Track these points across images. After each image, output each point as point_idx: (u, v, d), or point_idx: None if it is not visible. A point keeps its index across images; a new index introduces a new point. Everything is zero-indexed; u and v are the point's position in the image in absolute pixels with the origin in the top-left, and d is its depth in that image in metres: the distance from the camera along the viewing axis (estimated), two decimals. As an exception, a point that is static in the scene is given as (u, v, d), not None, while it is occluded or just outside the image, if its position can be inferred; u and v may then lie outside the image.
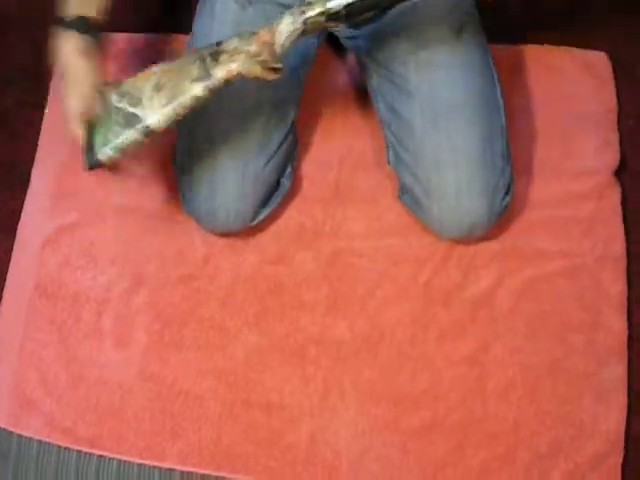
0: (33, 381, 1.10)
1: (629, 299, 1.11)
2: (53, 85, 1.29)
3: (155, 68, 0.90)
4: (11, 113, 1.29)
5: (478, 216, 1.03)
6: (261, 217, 1.11)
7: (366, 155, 1.20)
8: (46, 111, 1.27)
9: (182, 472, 1.05)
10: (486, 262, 1.13)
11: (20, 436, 1.08)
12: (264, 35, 0.86)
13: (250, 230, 1.13)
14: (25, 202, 1.21)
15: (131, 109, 0.88)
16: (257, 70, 0.86)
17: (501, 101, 1.07)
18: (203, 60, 0.87)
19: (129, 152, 0.89)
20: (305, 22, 0.86)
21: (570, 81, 1.23)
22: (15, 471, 1.07)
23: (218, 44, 0.88)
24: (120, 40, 1.28)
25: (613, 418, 1.04)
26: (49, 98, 1.28)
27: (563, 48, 1.26)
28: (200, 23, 1.08)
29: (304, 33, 0.87)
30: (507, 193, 1.06)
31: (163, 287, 1.14)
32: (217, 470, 1.05)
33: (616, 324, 1.09)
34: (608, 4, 1.29)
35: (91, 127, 0.90)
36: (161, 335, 1.11)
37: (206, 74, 0.86)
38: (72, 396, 1.09)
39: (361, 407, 1.07)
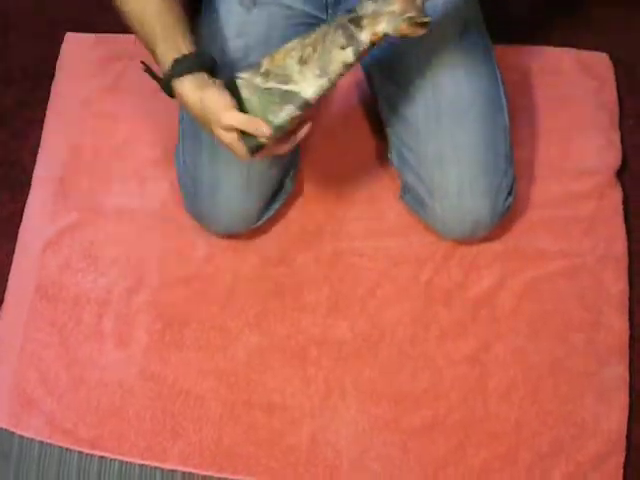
0: (33, 381, 1.10)
1: (630, 299, 1.11)
2: (54, 85, 1.29)
3: (290, 44, 0.90)
4: (11, 113, 1.28)
5: (481, 216, 1.04)
6: (264, 218, 1.11)
7: (367, 156, 1.20)
8: (47, 112, 1.26)
9: (184, 473, 1.05)
10: (488, 262, 1.13)
11: (22, 437, 1.07)
12: None
13: (251, 231, 1.13)
14: (26, 205, 1.20)
15: (284, 87, 0.88)
16: (404, 28, 0.86)
17: (505, 102, 1.07)
18: (345, 27, 0.87)
19: (287, 129, 0.90)
20: None
21: (571, 82, 1.24)
22: (16, 472, 1.06)
23: (350, 11, 0.88)
24: (123, 42, 1.28)
25: (615, 418, 1.04)
26: (50, 99, 1.27)
27: (564, 49, 1.26)
28: (205, 25, 1.08)
29: None
30: (510, 194, 1.06)
31: (164, 287, 1.14)
32: (219, 471, 1.04)
33: (617, 323, 1.09)
34: (609, 5, 1.30)
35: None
36: (162, 335, 1.11)
37: (353, 40, 0.87)
38: (73, 397, 1.09)
39: (362, 407, 1.07)
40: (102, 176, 1.21)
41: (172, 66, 0.89)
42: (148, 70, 0.92)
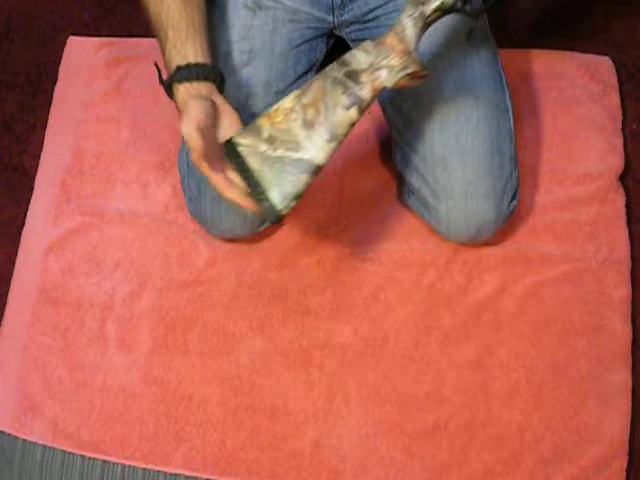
0: (37, 385, 1.10)
1: (633, 303, 1.11)
2: (56, 89, 1.29)
3: (286, 103, 0.86)
4: (14, 118, 1.28)
5: (486, 218, 1.04)
6: (267, 223, 1.11)
7: (370, 158, 1.20)
8: (50, 116, 1.26)
9: (187, 477, 1.05)
10: (490, 267, 1.13)
11: (24, 441, 1.08)
12: (396, 45, 0.84)
13: (254, 235, 1.13)
14: (29, 208, 1.21)
15: (295, 155, 0.85)
16: (404, 82, 0.84)
17: (510, 105, 1.08)
18: (344, 84, 0.84)
19: (304, 196, 0.87)
20: (425, 20, 0.84)
21: (574, 86, 1.23)
22: (20, 476, 1.06)
23: (340, 63, 0.85)
24: (126, 45, 1.28)
25: (617, 422, 1.04)
26: (52, 103, 1.28)
27: (567, 53, 1.26)
28: (210, 27, 1.08)
29: (425, 29, 0.85)
30: (514, 197, 1.06)
31: (167, 291, 1.14)
32: (222, 475, 1.05)
33: (620, 328, 1.09)
34: (612, 9, 1.30)
35: (257, 186, 0.85)
36: (165, 339, 1.11)
37: (354, 98, 0.84)
38: (76, 401, 1.09)
39: (365, 411, 1.07)
40: (105, 180, 1.21)
41: (174, 72, 0.90)
42: (158, 72, 0.93)
